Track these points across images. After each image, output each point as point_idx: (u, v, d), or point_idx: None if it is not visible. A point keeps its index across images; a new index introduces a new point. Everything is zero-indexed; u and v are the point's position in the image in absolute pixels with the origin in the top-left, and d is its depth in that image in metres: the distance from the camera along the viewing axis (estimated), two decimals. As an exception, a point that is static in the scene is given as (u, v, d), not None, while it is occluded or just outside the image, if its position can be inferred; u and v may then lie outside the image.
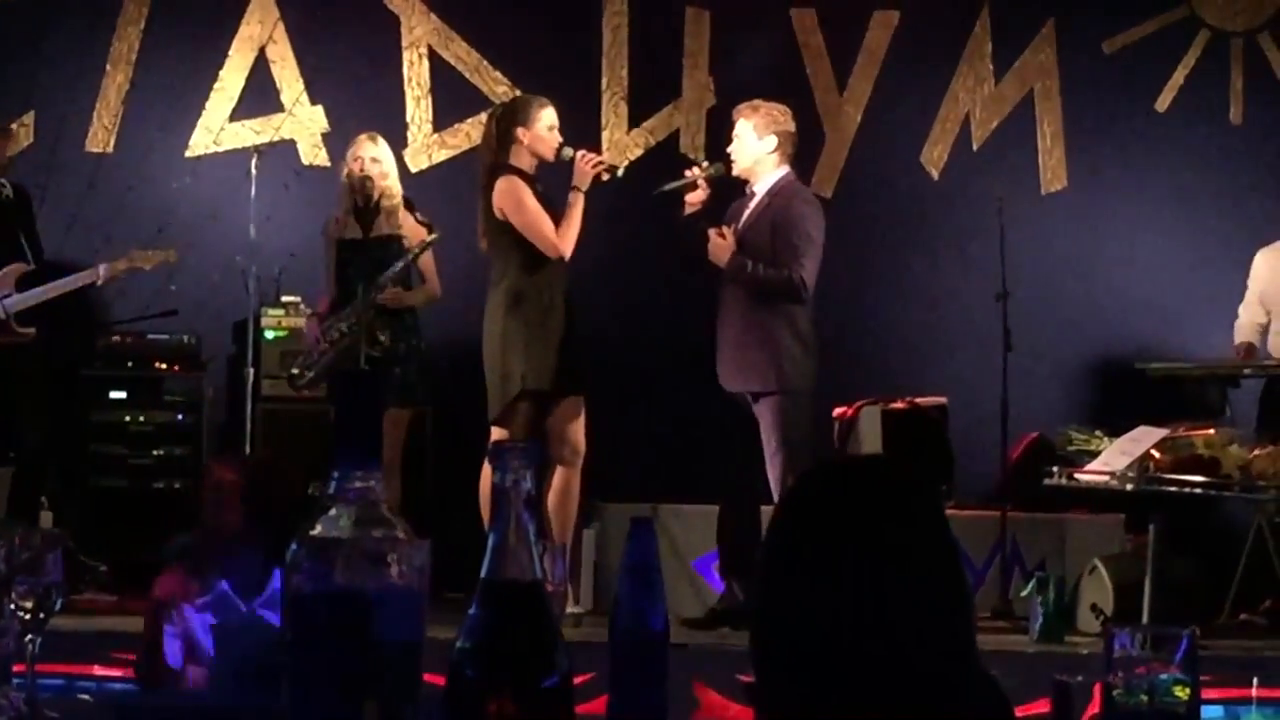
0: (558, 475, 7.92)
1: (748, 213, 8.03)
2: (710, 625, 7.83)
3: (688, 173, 8.11)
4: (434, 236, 8.24)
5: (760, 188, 8.04)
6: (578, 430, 8.01)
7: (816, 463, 2.47)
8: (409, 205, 8.39)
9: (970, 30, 10.37)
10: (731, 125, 8.10)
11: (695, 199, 8.03)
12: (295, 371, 8.41)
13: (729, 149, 8.06)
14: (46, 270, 8.46)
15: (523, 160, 7.91)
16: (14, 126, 8.74)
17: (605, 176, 7.97)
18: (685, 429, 8.88)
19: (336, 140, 9.46)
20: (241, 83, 9.96)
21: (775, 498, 7.73)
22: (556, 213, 7.87)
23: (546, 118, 7.97)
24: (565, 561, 7.96)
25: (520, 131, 7.92)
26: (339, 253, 8.41)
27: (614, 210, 8.58)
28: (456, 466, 8.79)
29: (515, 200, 7.84)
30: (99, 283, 8.39)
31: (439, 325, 8.99)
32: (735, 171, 8.05)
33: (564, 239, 7.89)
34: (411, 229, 8.40)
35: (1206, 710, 2.18)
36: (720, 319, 8.02)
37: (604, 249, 8.38)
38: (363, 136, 8.50)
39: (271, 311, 9.16)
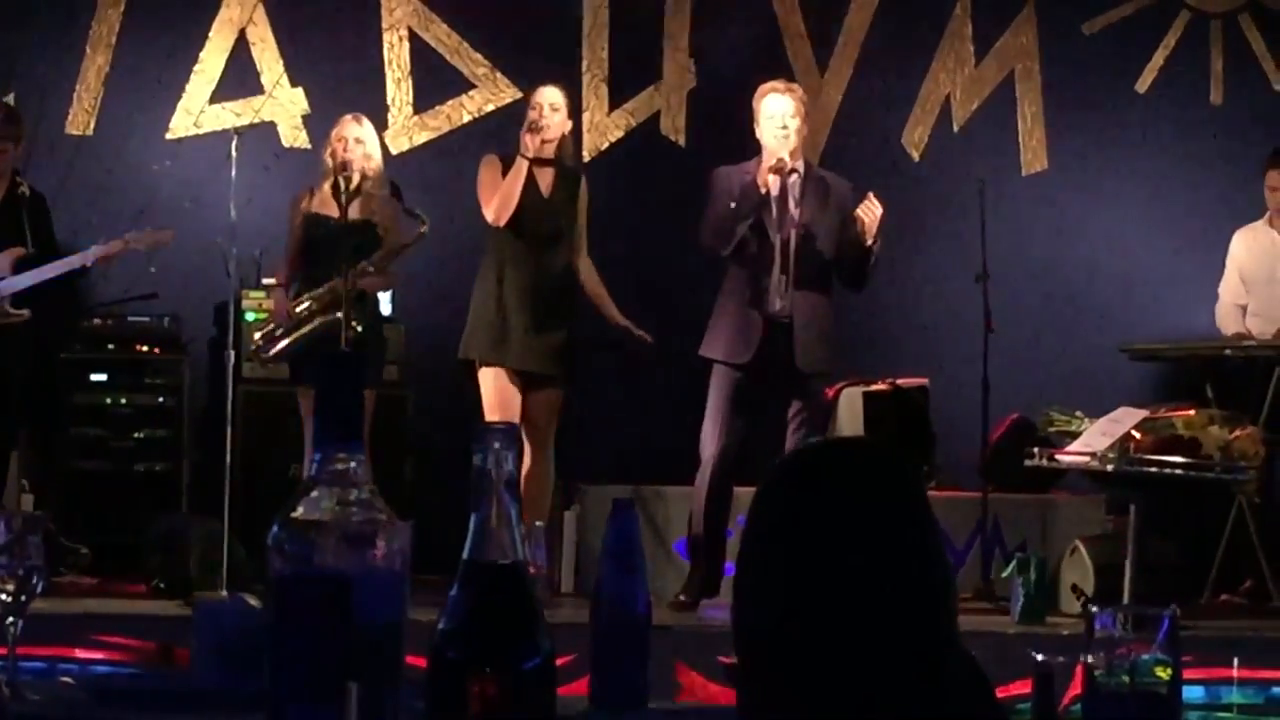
0: (525, 458, 7.90)
1: (805, 193, 7.98)
2: (693, 607, 7.85)
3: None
4: (424, 229, 8.12)
5: (800, 166, 8.02)
6: (545, 416, 8.00)
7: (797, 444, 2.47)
8: (396, 193, 8.26)
9: (951, 12, 10.37)
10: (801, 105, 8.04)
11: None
12: (260, 342, 8.31)
13: (799, 129, 7.97)
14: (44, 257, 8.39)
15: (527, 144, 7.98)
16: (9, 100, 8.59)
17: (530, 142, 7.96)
18: (666, 409, 8.87)
19: (317, 122, 9.43)
20: (222, 65, 9.92)
21: None
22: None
23: (535, 97, 8.13)
24: (543, 544, 7.99)
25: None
26: (309, 228, 8.28)
27: (590, 193, 8.55)
28: (436, 449, 8.79)
29: (480, 174, 8.07)
30: (92, 264, 8.31)
31: (419, 309, 8.97)
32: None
33: (488, 203, 8.00)
34: (386, 214, 8.26)
35: (1188, 690, 2.19)
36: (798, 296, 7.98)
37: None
38: (347, 117, 8.38)
39: (252, 294, 9.14)
